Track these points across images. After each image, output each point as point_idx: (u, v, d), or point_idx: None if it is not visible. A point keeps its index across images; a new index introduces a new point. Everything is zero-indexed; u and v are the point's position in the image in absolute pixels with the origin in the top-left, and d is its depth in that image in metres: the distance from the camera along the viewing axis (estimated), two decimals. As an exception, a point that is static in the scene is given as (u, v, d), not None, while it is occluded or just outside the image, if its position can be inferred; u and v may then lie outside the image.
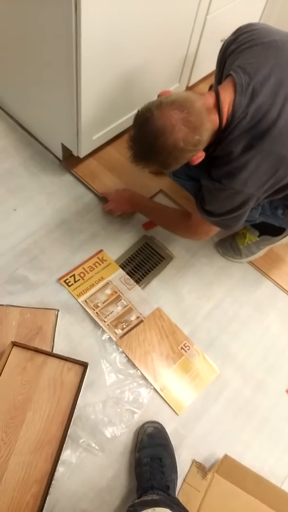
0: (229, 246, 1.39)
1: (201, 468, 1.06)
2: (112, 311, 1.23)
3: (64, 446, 1.00)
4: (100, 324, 1.20)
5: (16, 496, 0.94)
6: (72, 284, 1.26)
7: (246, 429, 1.14)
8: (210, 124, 0.89)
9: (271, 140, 0.89)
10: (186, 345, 1.22)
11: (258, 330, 1.29)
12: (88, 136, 1.33)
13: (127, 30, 1.11)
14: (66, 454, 1.02)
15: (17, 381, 1.05)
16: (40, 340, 1.14)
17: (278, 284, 1.38)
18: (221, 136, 0.92)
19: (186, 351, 1.21)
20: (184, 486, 1.04)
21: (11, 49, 1.27)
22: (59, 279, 1.26)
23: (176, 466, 1.04)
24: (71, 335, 1.18)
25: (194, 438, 1.11)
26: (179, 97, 0.88)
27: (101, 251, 1.34)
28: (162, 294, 1.30)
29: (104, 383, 1.13)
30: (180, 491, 1.03)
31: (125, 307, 1.25)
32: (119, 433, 1.07)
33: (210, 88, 1.00)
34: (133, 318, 1.23)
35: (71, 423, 1.02)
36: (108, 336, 1.19)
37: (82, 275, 1.28)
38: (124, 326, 1.22)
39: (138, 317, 1.24)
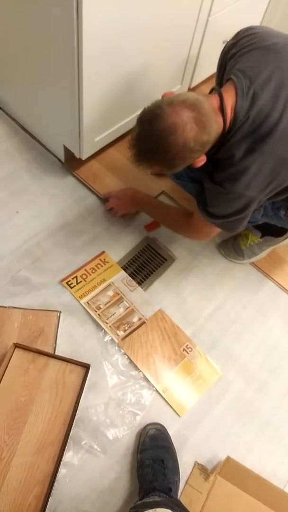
0: (231, 247, 1.39)
1: (203, 470, 1.06)
2: (114, 313, 1.23)
3: (66, 447, 1.00)
4: (102, 325, 1.21)
5: (18, 498, 0.94)
6: (74, 285, 1.26)
7: (248, 431, 1.14)
8: (216, 125, 0.89)
9: (273, 143, 0.89)
10: (188, 346, 1.22)
11: (261, 331, 1.29)
12: (90, 138, 1.33)
13: (128, 32, 1.11)
14: (68, 455, 1.02)
15: (19, 383, 1.06)
16: (42, 342, 1.14)
17: (280, 285, 1.37)
18: (223, 139, 0.92)
19: (188, 353, 1.21)
20: (186, 488, 1.04)
21: (12, 51, 1.28)
22: (61, 280, 1.26)
23: (178, 468, 1.04)
24: (73, 337, 1.19)
25: (196, 440, 1.10)
26: (190, 96, 0.87)
27: (103, 252, 1.34)
28: (164, 296, 1.30)
29: (106, 384, 1.13)
30: (183, 493, 1.03)
31: (127, 308, 1.25)
32: (121, 435, 1.07)
33: (211, 91, 1.00)
34: (135, 319, 1.23)
35: (73, 425, 1.02)
36: (110, 338, 1.19)
37: (84, 276, 1.28)
38: (126, 328, 1.22)
39: (140, 319, 1.24)
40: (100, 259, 1.32)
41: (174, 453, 1.05)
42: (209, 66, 1.61)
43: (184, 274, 1.35)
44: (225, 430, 1.13)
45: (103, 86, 1.19)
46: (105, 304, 1.24)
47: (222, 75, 1.04)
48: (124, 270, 1.32)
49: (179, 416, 1.12)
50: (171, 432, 1.08)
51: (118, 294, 1.27)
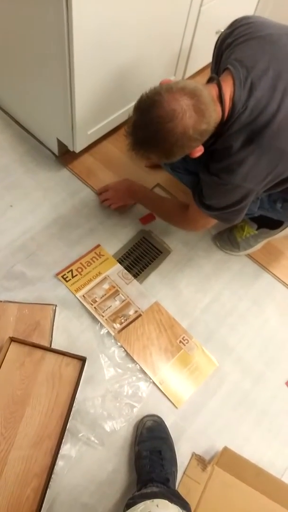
0: (227, 239, 1.38)
1: (201, 461, 1.06)
2: (110, 306, 1.23)
3: (63, 440, 1.00)
4: (98, 318, 1.20)
5: (16, 491, 0.94)
6: (70, 279, 1.26)
7: (245, 421, 1.14)
8: (215, 114, 0.87)
9: (270, 134, 0.88)
10: (184, 338, 1.22)
11: (257, 323, 1.29)
12: (83, 131, 1.32)
13: (119, 24, 1.10)
14: (65, 448, 1.02)
15: (16, 377, 1.06)
16: (38, 336, 1.14)
17: (276, 276, 1.37)
18: (221, 129, 0.91)
19: (184, 345, 1.21)
20: (184, 479, 1.04)
21: (3, 44, 1.27)
22: (57, 274, 1.26)
23: (176, 459, 1.04)
24: (69, 330, 1.18)
25: (193, 431, 1.11)
26: (188, 84, 0.85)
27: (98, 245, 1.33)
28: (160, 288, 1.30)
29: (103, 377, 1.13)
30: (180, 484, 1.03)
31: (123, 301, 1.25)
32: (118, 427, 1.07)
33: (209, 80, 0.99)
34: (131, 312, 1.23)
35: (71, 418, 1.02)
36: (107, 331, 1.19)
37: (79, 270, 1.28)
38: (123, 321, 1.21)
39: (136, 312, 1.24)
40: (95, 252, 1.32)
41: (172, 444, 1.06)
42: (203, 57, 1.60)
43: (179, 266, 1.35)
44: (222, 421, 1.13)
45: (95, 78, 1.18)
46: (101, 297, 1.24)
47: (218, 64, 1.03)
48: (120, 263, 1.31)
49: (176, 407, 1.12)
50: (168, 423, 1.08)
51: (114, 287, 1.27)
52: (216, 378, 1.18)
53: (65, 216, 1.37)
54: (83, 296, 1.24)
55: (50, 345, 1.13)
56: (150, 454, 1.01)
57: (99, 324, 1.20)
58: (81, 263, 1.29)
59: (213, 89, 0.88)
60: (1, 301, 1.18)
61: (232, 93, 0.88)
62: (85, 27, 1.01)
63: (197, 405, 1.14)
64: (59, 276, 1.26)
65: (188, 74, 1.63)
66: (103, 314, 1.21)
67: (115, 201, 1.38)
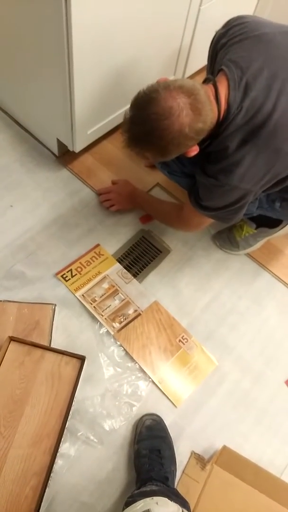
0: (226, 239, 1.38)
1: (200, 460, 1.06)
2: (110, 305, 1.23)
3: (62, 439, 1.00)
4: (98, 318, 1.21)
5: (15, 489, 0.94)
6: (69, 279, 1.26)
7: (245, 420, 1.14)
8: (212, 114, 0.87)
9: (267, 134, 0.88)
10: (184, 337, 1.22)
11: (256, 321, 1.29)
12: (82, 130, 1.32)
13: (119, 23, 1.10)
14: (65, 447, 1.03)
15: (15, 376, 1.06)
16: (38, 335, 1.14)
17: (276, 275, 1.37)
18: (216, 131, 0.91)
19: (184, 344, 1.21)
20: (183, 478, 1.04)
21: (2, 44, 1.27)
22: (56, 274, 1.26)
23: (175, 458, 1.05)
24: (69, 330, 1.19)
25: (193, 429, 1.11)
26: (186, 82, 0.85)
27: (98, 245, 1.34)
28: (159, 288, 1.30)
29: (102, 376, 1.13)
30: (179, 483, 1.03)
31: (122, 301, 1.25)
32: (117, 426, 1.07)
33: (204, 81, 0.98)
34: (130, 311, 1.23)
35: (70, 417, 1.03)
36: (106, 330, 1.19)
37: (79, 269, 1.28)
38: (122, 320, 1.22)
39: (135, 311, 1.24)
40: (95, 252, 1.32)
41: (171, 443, 1.06)
42: (203, 57, 1.57)
43: (179, 265, 1.35)
44: (221, 420, 1.13)
45: (94, 78, 1.18)
46: (101, 297, 1.24)
47: (213, 65, 1.03)
48: (119, 262, 1.31)
49: (175, 406, 1.12)
50: (167, 422, 1.09)
51: (114, 286, 1.27)
52: (215, 377, 1.18)
53: (65, 216, 1.38)
54: (83, 295, 1.24)
55: (50, 344, 1.13)
56: (149, 453, 1.02)
57: (98, 323, 1.20)
58: (80, 263, 1.29)
59: (209, 90, 0.88)
60: (0, 301, 1.18)
61: (227, 94, 0.88)
62: (84, 26, 1.01)
63: (196, 404, 1.14)
64: (59, 276, 1.26)
65: (188, 74, 1.63)
66: (103, 314, 1.22)
67: (116, 204, 1.38)
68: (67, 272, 1.27)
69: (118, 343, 1.18)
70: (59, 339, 1.16)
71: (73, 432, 1.04)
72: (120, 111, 1.40)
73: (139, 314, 1.23)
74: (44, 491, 0.94)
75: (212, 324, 1.26)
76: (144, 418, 1.08)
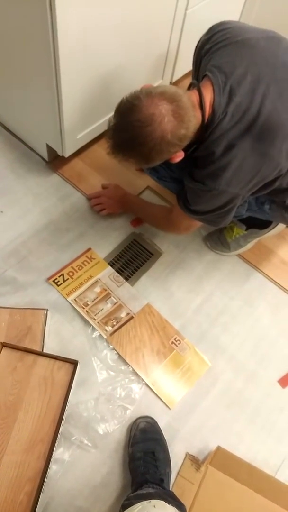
0: (217, 240, 1.39)
1: (194, 461, 1.07)
2: (102, 309, 1.24)
3: (56, 444, 1.00)
4: (90, 322, 1.21)
5: (9, 495, 0.94)
6: (61, 283, 1.26)
7: (238, 420, 1.15)
8: (195, 120, 0.88)
9: (252, 138, 0.89)
10: (176, 339, 1.22)
11: (249, 322, 1.30)
12: (71, 135, 1.33)
13: (105, 28, 1.11)
14: (59, 452, 1.03)
15: (8, 382, 1.06)
16: (30, 340, 1.14)
17: (267, 275, 1.38)
18: (202, 136, 0.91)
19: (177, 346, 1.21)
20: (178, 479, 1.05)
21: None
22: (48, 279, 1.26)
23: (170, 460, 1.05)
24: (62, 334, 1.19)
25: (187, 431, 1.11)
26: (168, 89, 0.86)
27: (89, 249, 1.34)
28: (151, 290, 1.30)
29: (95, 380, 1.13)
30: (174, 484, 1.04)
31: (115, 304, 1.25)
32: (111, 429, 1.07)
33: (189, 87, 0.99)
34: (123, 315, 1.24)
35: (63, 421, 1.03)
36: (99, 334, 1.20)
37: (71, 274, 1.28)
38: (114, 323, 1.22)
39: (128, 314, 1.24)
40: (86, 256, 1.32)
41: (165, 445, 1.06)
42: (190, 60, 1.57)
43: (171, 268, 1.35)
44: (215, 420, 1.14)
45: (82, 83, 1.19)
46: (93, 301, 1.25)
47: (198, 71, 1.04)
48: (111, 266, 1.32)
49: (169, 408, 1.13)
50: (161, 424, 1.09)
51: (106, 290, 1.27)
52: (208, 378, 1.19)
53: (56, 220, 1.38)
54: (75, 299, 1.24)
55: (42, 350, 1.13)
56: (144, 456, 1.02)
57: (91, 327, 1.20)
58: (72, 267, 1.30)
59: (193, 95, 0.89)
60: (-8, 307, 1.18)
61: (212, 99, 0.88)
62: (70, 33, 1.01)
63: (190, 405, 1.14)
64: (51, 281, 1.26)
65: (176, 77, 1.64)
66: (95, 317, 1.22)
67: (107, 208, 1.39)
68: (59, 276, 1.27)
69: (111, 346, 1.18)
70: (52, 344, 1.16)
71: (67, 436, 1.04)
72: (109, 115, 1.38)
73: (132, 317, 1.24)
74: (39, 497, 0.93)
75: (204, 325, 1.27)
76: (138, 421, 1.08)
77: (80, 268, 1.30)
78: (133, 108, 0.84)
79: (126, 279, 1.30)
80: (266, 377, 1.22)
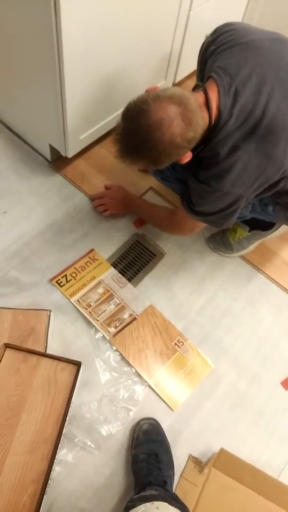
0: (220, 241, 1.39)
1: (197, 463, 1.06)
2: (105, 310, 1.23)
3: (60, 445, 1.00)
4: (93, 323, 1.21)
5: (13, 497, 0.94)
6: (64, 284, 1.26)
7: (241, 422, 1.15)
8: (202, 122, 0.88)
9: (257, 139, 0.89)
10: (179, 341, 1.22)
11: (251, 323, 1.30)
12: (75, 136, 1.33)
13: (108, 29, 1.11)
14: (62, 453, 1.02)
15: (11, 383, 1.06)
16: (33, 341, 1.14)
17: (270, 277, 1.38)
18: (208, 137, 0.91)
19: (180, 347, 1.21)
20: (181, 481, 1.04)
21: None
22: (51, 279, 1.26)
23: (173, 462, 1.05)
24: (65, 335, 1.18)
25: (190, 433, 1.11)
26: (176, 91, 0.85)
27: (92, 250, 1.34)
28: (154, 291, 1.30)
29: (98, 381, 1.13)
30: (178, 486, 1.03)
31: (117, 305, 1.25)
32: (114, 431, 1.07)
33: (194, 88, 0.99)
34: (126, 316, 1.24)
35: (67, 423, 1.02)
36: (102, 335, 1.19)
37: (74, 275, 1.28)
38: (117, 324, 1.22)
39: (131, 315, 1.24)
40: (89, 257, 1.32)
41: (168, 447, 1.06)
42: (193, 61, 1.58)
43: (174, 269, 1.35)
44: (218, 422, 1.13)
45: (86, 84, 1.19)
46: (96, 302, 1.24)
47: (203, 72, 1.04)
48: (114, 267, 1.32)
49: (172, 410, 1.13)
50: (164, 426, 1.09)
51: (109, 291, 1.27)
52: (211, 380, 1.19)
53: (59, 221, 1.38)
54: (78, 300, 1.24)
55: (45, 351, 1.13)
56: (147, 457, 1.01)
57: (94, 328, 1.20)
58: (75, 268, 1.29)
59: (199, 97, 0.89)
60: (-5, 308, 1.18)
61: (217, 100, 0.88)
62: (74, 34, 1.01)
63: (193, 407, 1.14)
64: (54, 282, 1.26)
65: (179, 78, 1.64)
66: (98, 318, 1.22)
67: (110, 209, 1.38)
68: (62, 277, 1.27)
69: (114, 347, 1.18)
70: (55, 345, 1.16)
71: (70, 438, 1.04)
72: (112, 116, 1.41)
73: (135, 318, 1.23)
74: (42, 498, 0.93)
75: (207, 326, 1.27)
76: (141, 422, 1.08)
77: (83, 269, 1.30)
78: (141, 112, 0.83)
79: (129, 280, 1.30)
80: (269, 379, 1.21)
